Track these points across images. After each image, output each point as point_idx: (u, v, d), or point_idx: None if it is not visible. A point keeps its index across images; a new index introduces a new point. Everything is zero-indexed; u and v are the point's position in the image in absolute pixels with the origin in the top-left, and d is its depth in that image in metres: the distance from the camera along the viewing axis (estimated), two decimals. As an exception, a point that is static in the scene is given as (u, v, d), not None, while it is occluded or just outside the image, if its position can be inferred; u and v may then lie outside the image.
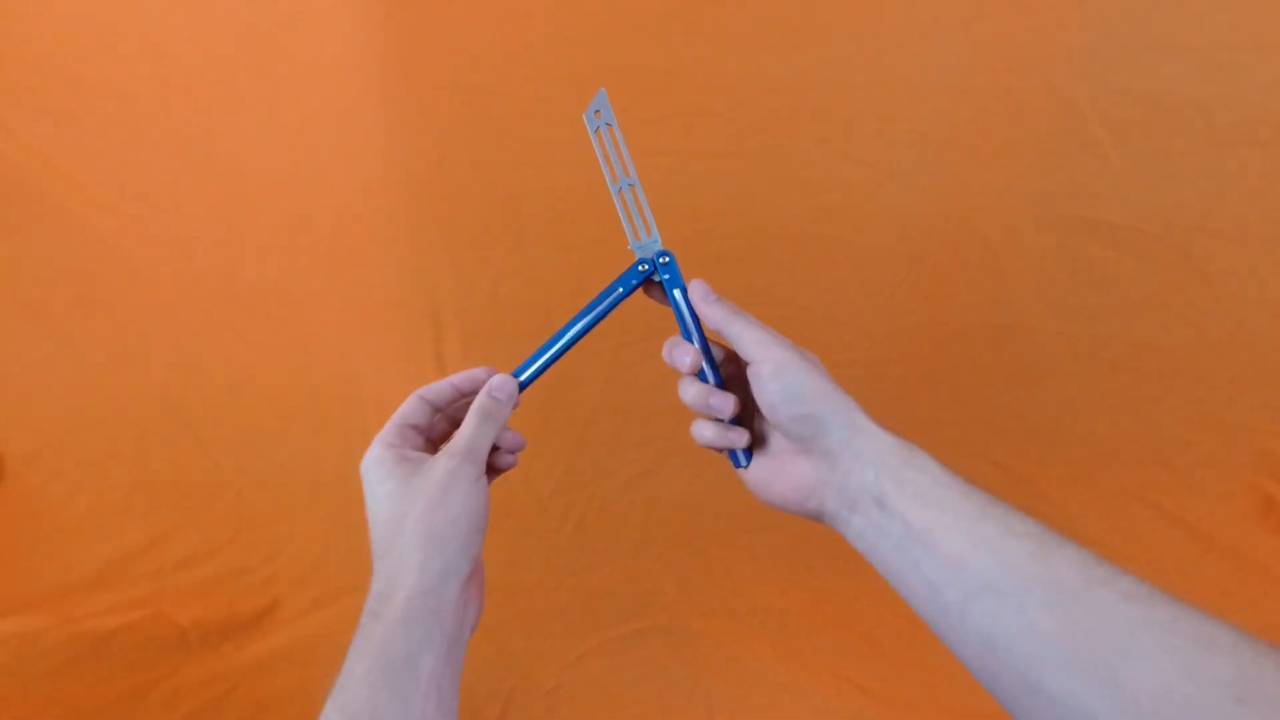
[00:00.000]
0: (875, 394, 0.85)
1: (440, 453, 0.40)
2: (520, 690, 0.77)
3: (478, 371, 0.45)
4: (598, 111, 0.49)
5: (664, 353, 0.46)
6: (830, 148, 0.76)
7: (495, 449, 0.43)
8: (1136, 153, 0.76)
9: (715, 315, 0.43)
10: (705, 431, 0.44)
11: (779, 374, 0.39)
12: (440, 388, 0.44)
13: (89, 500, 0.82)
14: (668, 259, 0.46)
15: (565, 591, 0.86)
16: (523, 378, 0.45)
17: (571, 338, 0.46)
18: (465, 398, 0.45)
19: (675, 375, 0.45)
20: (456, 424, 0.45)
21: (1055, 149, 0.76)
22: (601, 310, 0.46)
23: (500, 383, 0.44)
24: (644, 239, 0.47)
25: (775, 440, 0.42)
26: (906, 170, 0.77)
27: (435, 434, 0.46)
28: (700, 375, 0.45)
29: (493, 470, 0.46)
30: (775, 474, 0.42)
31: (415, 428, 0.44)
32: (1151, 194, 0.77)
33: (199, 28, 0.70)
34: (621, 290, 0.46)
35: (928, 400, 0.86)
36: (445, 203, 0.76)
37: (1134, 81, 0.73)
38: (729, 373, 0.45)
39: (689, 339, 0.45)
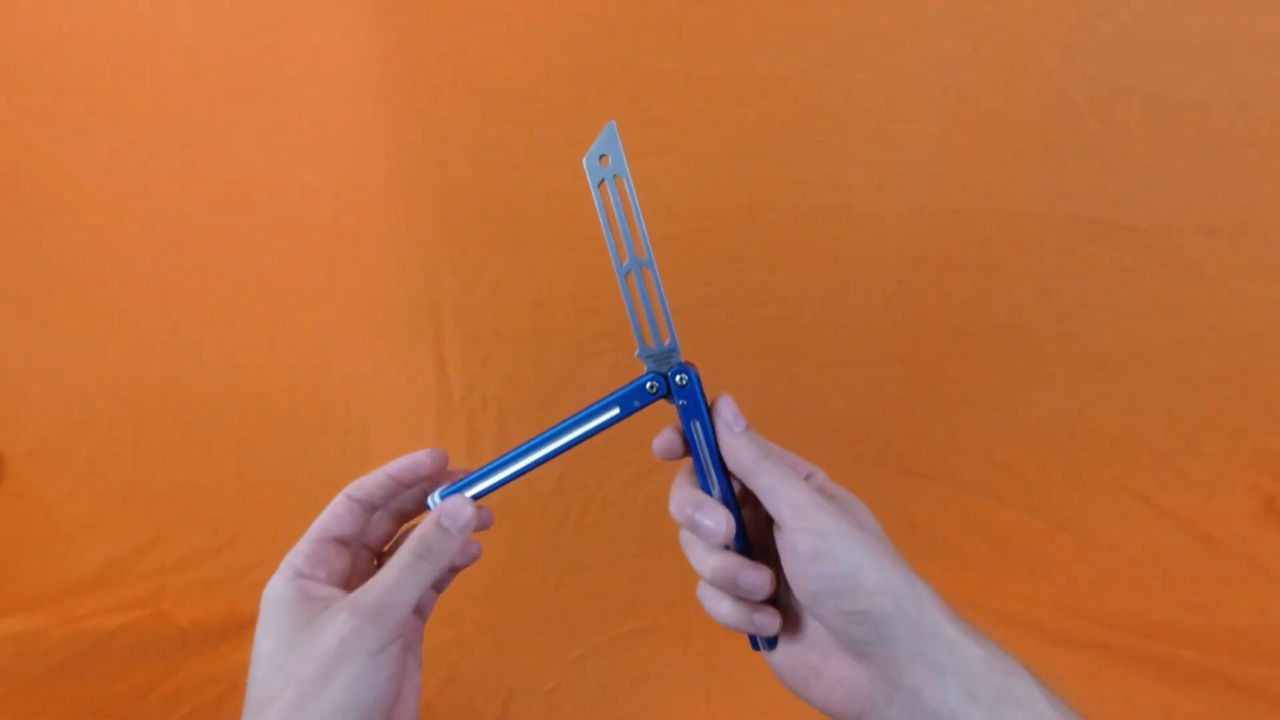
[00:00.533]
0: (875, 394, 0.85)
1: (339, 604, 0.29)
2: (520, 690, 0.77)
3: (419, 457, 0.34)
4: (604, 156, 0.35)
5: (676, 506, 0.34)
6: (830, 148, 0.75)
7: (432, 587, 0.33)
8: (1136, 153, 0.76)
9: (744, 458, 0.32)
10: (720, 608, 0.33)
11: (822, 556, 0.29)
12: (372, 483, 0.34)
13: (89, 500, 0.82)
14: (687, 379, 0.34)
15: (565, 591, 0.86)
16: (470, 493, 0.35)
17: (544, 457, 0.36)
18: (407, 489, 0.36)
19: None
20: (404, 519, 0.36)
21: (1055, 149, 0.76)
22: (588, 432, 0.36)
23: (453, 508, 0.33)
24: (656, 345, 0.35)
25: (813, 628, 0.32)
26: (906, 170, 0.77)
27: (373, 540, 0.36)
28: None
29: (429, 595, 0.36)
30: (813, 671, 0.32)
31: (339, 541, 0.33)
32: (1151, 194, 0.77)
33: (199, 28, 0.70)
34: (619, 412, 0.35)
35: (928, 400, 0.86)
36: (445, 203, 0.76)
37: (1134, 81, 0.73)
38: (747, 517, 0.35)
39: (705, 484, 0.34)
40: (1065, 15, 0.71)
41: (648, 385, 0.35)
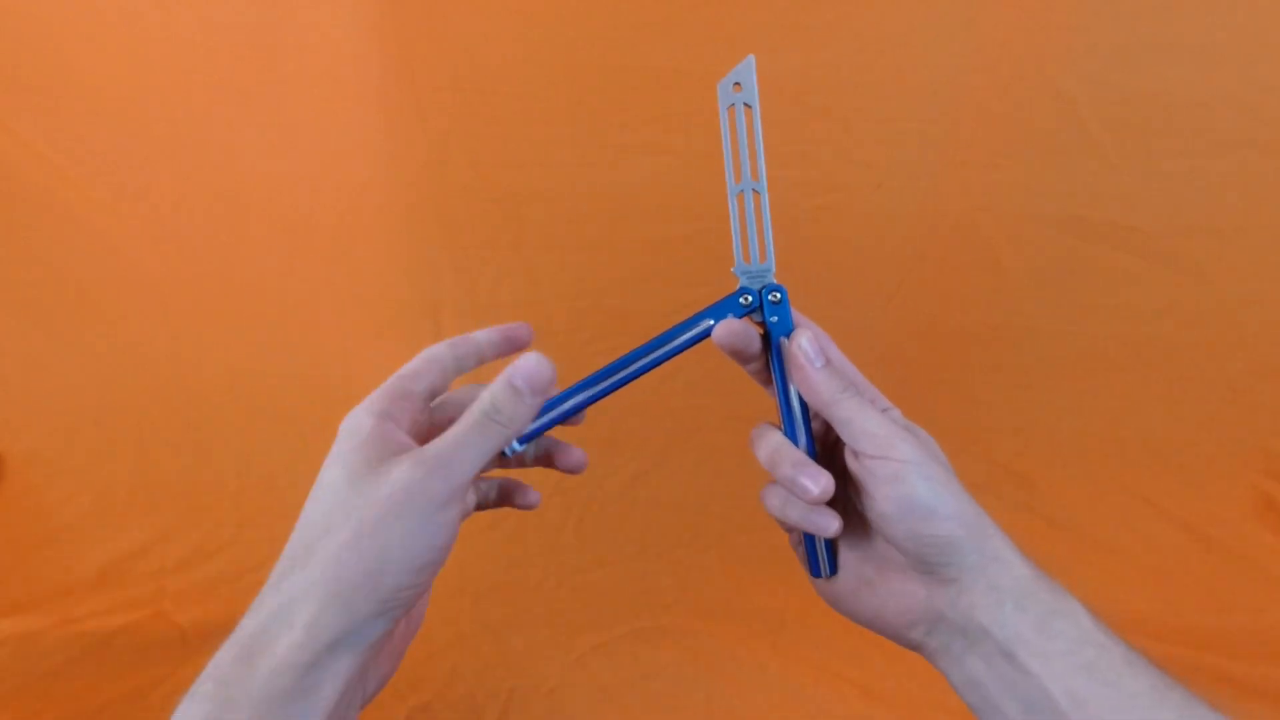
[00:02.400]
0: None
1: (406, 455, 0.28)
2: (520, 690, 0.77)
3: (516, 328, 0.33)
4: (737, 84, 0.37)
5: (770, 459, 0.33)
6: (830, 148, 0.75)
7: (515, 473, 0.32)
8: (1136, 153, 0.76)
9: (822, 392, 0.32)
10: (786, 507, 0.33)
11: (903, 481, 0.30)
12: (468, 345, 0.34)
13: (89, 500, 0.82)
14: (780, 296, 0.36)
15: (565, 591, 0.86)
16: (553, 413, 0.35)
17: (636, 371, 0.36)
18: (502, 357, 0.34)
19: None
20: None
21: (1055, 149, 0.76)
22: (681, 345, 0.36)
23: (528, 367, 0.30)
24: (755, 264, 0.36)
25: (878, 547, 0.34)
26: (906, 170, 0.77)
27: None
28: (786, 429, 0.35)
29: (506, 500, 0.36)
30: (870, 587, 0.33)
31: (420, 395, 0.32)
32: (1151, 194, 0.77)
33: (199, 27, 0.70)
34: (712, 323, 0.35)
35: (928, 400, 0.86)
36: (445, 203, 0.76)
37: (1134, 81, 0.73)
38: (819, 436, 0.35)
39: (785, 404, 0.35)
40: (1065, 15, 0.71)
41: (741, 298, 0.35)
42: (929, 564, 0.31)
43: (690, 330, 0.36)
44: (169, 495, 0.83)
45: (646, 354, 0.36)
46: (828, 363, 0.34)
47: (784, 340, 0.35)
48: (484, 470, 0.30)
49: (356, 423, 0.30)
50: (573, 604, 0.85)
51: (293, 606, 0.26)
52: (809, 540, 0.36)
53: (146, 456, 0.82)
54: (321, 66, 0.71)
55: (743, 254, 0.36)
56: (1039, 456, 0.89)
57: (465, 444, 0.29)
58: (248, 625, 0.27)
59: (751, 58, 0.36)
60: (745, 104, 0.37)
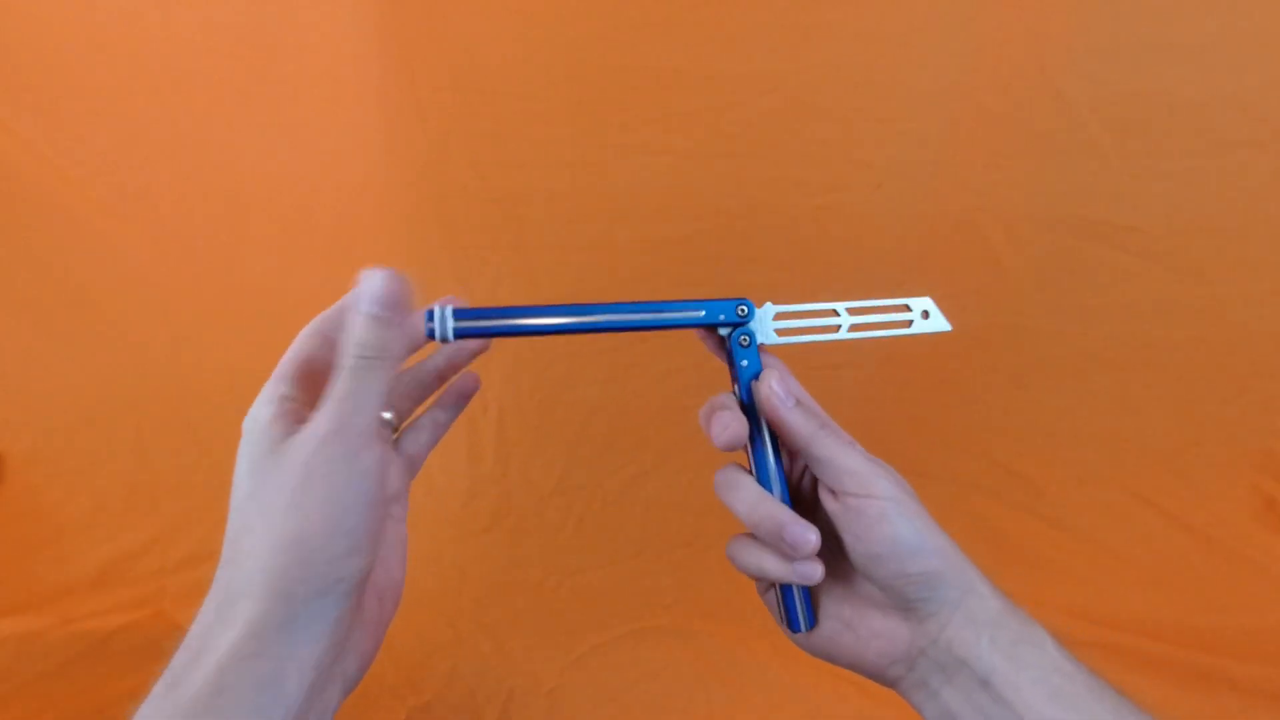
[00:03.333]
0: (875, 394, 0.85)
1: (300, 429, 0.27)
2: (520, 690, 0.77)
3: (371, 275, 0.28)
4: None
5: (753, 514, 0.32)
6: (830, 148, 0.75)
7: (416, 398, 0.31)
8: (1136, 153, 0.76)
9: (800, 432, 0.32)
10: (764, 561, 0.32)
11: (888, 520, 0.30)
12: (333, 315, 0.31)
13: (89, 500, 0.82)
14: (749, 340, 0.35)
15: (565, 591, 0.86)
16: (485, 324, 0.32)
17: (611, 325, 0.34)
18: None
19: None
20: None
21: (1055, 149, 0.76)
22: (663, 321, 0.35)
23: (376, 287, 0.27)
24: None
25: (856, 587, 0.33)
26: (906, 170, 0.77)
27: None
28: (759, 475, 0.34)
29: (459, 403, 0.34)
30: (850, 629, 0.33)
31: (321, 363, 0.30)
32: (1151, 194, 0.77)
33: (198, 27, 0.70)
34: (704, 315, 0.35)
35: (928, 400, 0.86)
36: (445, 203, 0.76)
37: (1134, 81, 0.73)
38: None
39: (760, 454, 0.34)
40: (1065, 15, 0.71)
41: (739, 308, 0.35)
42: (911, 600, 0.31)
43: (682, 312, 0.35)
44: (169, 495, 0.83)
45: (631, 312, 0.34)
46: (798, 402, 0.33)
47: (754, 384, 0.34)
48: (384, 405, 0.29)
49: (253, 415, 0.28)
50: (573, 604, 0.85)
51: (232, 604, 0.26)
52: (787, 595, 0.34)
53: (146, 456, 0.82)
54: (321, 66, 0.71)
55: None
56: (1039, 456, 0.89)
57: (348, 396, 0.27)
58: (194, 629, 0.26)
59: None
60: None
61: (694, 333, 0.37)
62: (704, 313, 0.35)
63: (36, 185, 0.73)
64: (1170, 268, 0.80)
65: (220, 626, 0.25)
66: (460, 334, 0.32)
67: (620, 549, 0.88)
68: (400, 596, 0.33)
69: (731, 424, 0.33)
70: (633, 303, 0.34)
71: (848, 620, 0.33)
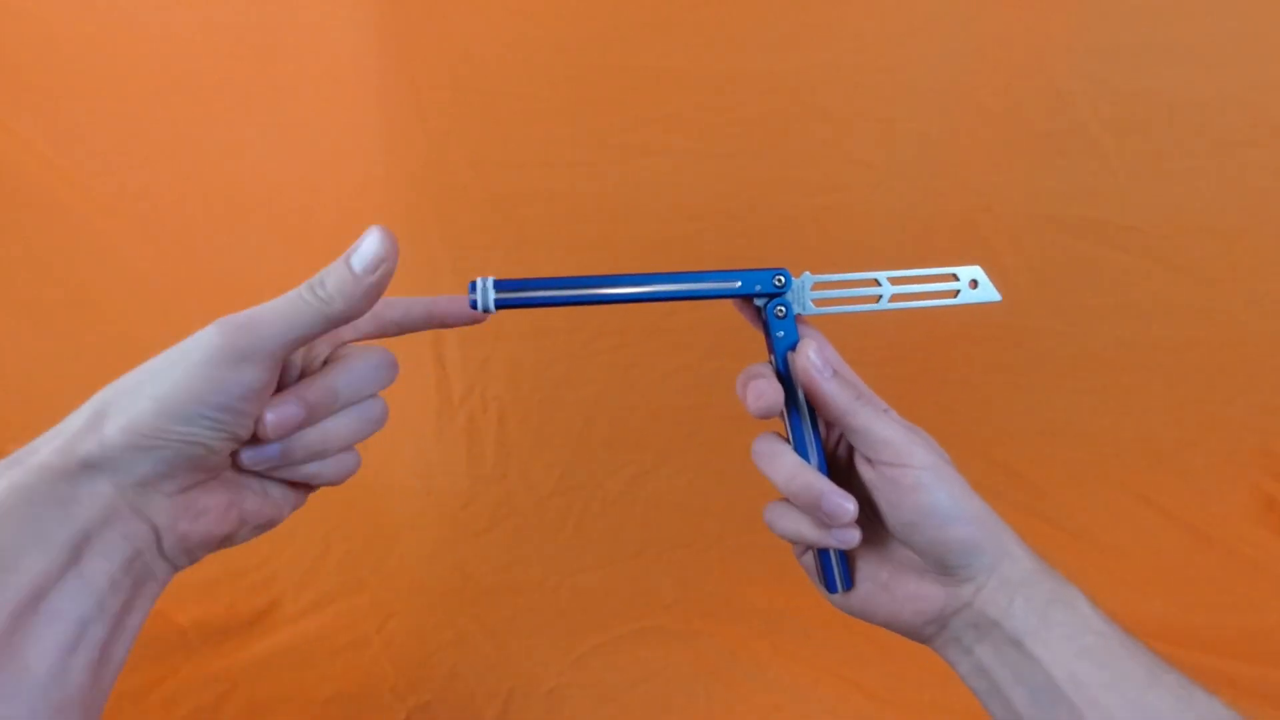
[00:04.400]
0: (875, 394, 0.85)
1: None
2: (520, 690, 0.77)
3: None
4: None
5: (792, 484, 0.32)
6: (830, 148, 0.75)
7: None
8: (1136, 153, 0.76)
9: (837, 403, 0.32)
10: (801, 527, 0.33)
11: (924, 489, 0.31)
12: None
13: (89, 500, 0.82)
14: (785, 311, 0.35)
15: (565, 591, 0.86)
16: (523, 295, 0.32)
17: (644, 295, 0.35)
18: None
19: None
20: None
21: (1055, 149, 0.76)
22: (700, 291, 0.35)
23: (368, 245, 0.29)
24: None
25: (892, 551, 0.34)
26: (906, 170, 0.77)
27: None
28: (796, 444, 0.34)
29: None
30: (886, 591, 0.34)
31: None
32: (1151, 194, 0.77)
33: (199, 28, 0.70)
34: (740, 285, 0.34)
35: (928, 400, 0.86)
36: (445, 203, 0.76)
37: (1134, 81, 0.73)
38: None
39: (797, 424, 0.34)
40: (1065, 15, 0.71)
41: (775, 279, 0.35)
42: (948, 566, 0.31)
43: (718, 282, 0.35)
44: (169, 495, 0.83)
45: (668, 283, 0.35)
46: (835, 372, 0.33)
47: (791, 354, 0.34)
48: (299, 343, 0.28)
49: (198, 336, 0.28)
50: (573, 604, 0.85)
51: (63, 426, 0.27)
52: (824, 557, 0.35)
53: (146, 456, 0.82)
54: (321, 66, 0.71)
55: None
56: (1039, 456, 0.89)
57: (273, 311, 0.27)
58: (29, 443, 0.27)
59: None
60: None
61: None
62: (740, 283, 0.35)
63: (36, 185, 0.73)
64: (1170, 268, 0.80)
65: (44, 441, 0.26)
66: (501, 305, 0.33)
67: (620, 549, 0.88)
68: (265, 521, 0.31)
69: (767, 391, 0.32)
70: (670, 273, 0.34)
71: (884, 583, 0.34)
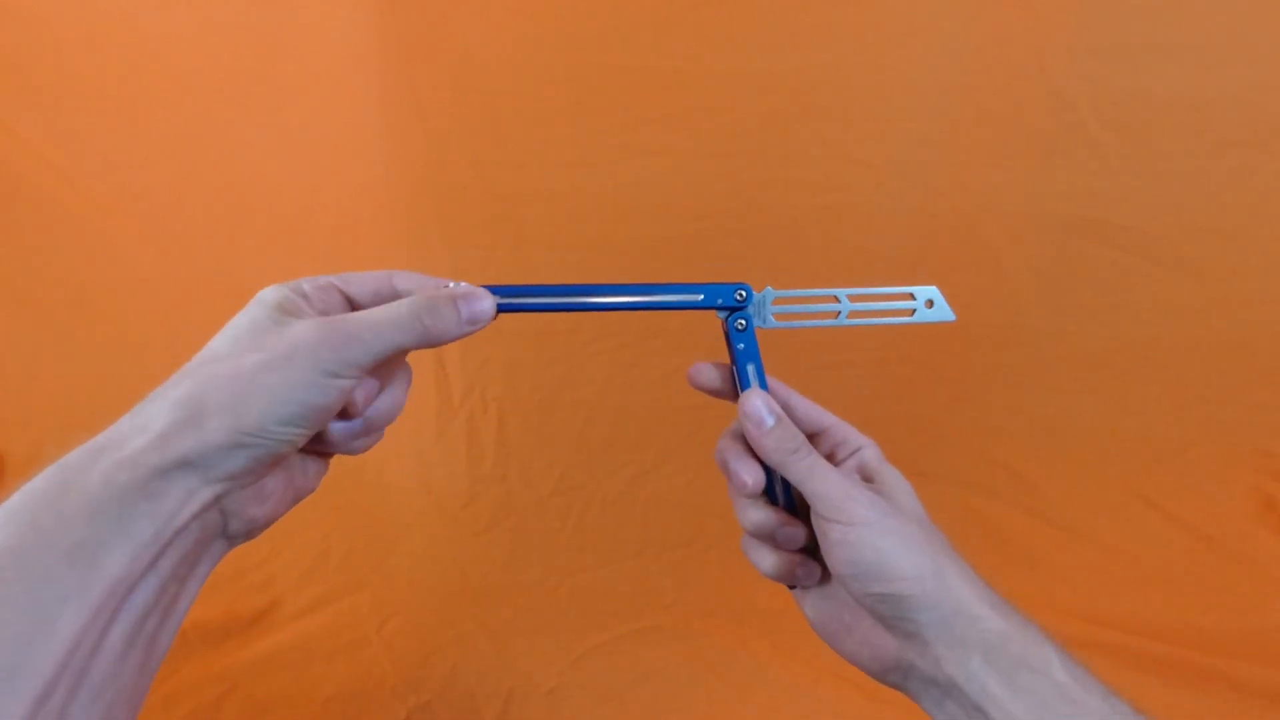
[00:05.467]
0: (875, 394, 0.85)
1: (315, 317, 0.29)
2: (520, 690, 0.77)
3: (482, 298, 0.30)
4: None
5: (718, 452, 0.35)
6: (830, 148, 0.75)
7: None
8: (1136, 153, 0.76)
9: (772, 455, 0.33)
10: (764, 560, 0.35)
11: (849, 544, 0.31)
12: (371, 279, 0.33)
13: (89, 500, 0.82)
14: (745, 324, 0.36)
15: (565, 591, 0.86)
16: (503, 301, 0.33)
17: (606, 304, 0.35)
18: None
19: (675, 374, 0.40)
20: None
21: (1055, 149, 0.76)
22: (662, 303, 0.35)
23: (476, 297, 0.30)
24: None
25: (845, 594, 0.34)
26: (906, 170, 0.77)
27: None
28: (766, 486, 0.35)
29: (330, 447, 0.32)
30: (845, 628, 0.34)
31: (349, 302, 0.32)
32: (1151, 194, 0.77)
33: (199, 28, 0.70)
34: (702, 299, 0.35)
35: (928, 400, 0.86)
36: (445, 203, 0.76)
37: (1134, 81, 0.73)
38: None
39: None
40: (1065, 15, 0.71)
41: (737, 293, 0.36)
42: (887, 620, 0.31)
43: (682, 295, 0.35)
44: (169, 495, 0.83)
45: (633, 294, 0.35)
46: (779, 421, 0.34)
47: (738, 403, 0.35)
48: (384, 362, 0.29)
49: (265, 293, 0.29)
50: (573, 604, 0.85)
51: (151, 417, 0.26)
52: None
53: (146, 456, 0.82)
54: (321, 66, 0.71)
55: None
56: (1039, 456, 0.89)
57: (378, 327, 0.28)
58: (107, 432, 0.26)
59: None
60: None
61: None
62: (702, 296, 0.35)
63: (36, 185, 0.73)
64: (1170, 268, 0.80)
65: (133, 433, 0.26)
66: (502, 309, 0.33)
67: (620, 549, 0.88)
68: (305, 493, 0.32)
69: (748, 473, 0.34)
70: (636, 284, 0.35)
71: (847, 625, 0.34)
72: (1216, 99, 0.73)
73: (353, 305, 0.32)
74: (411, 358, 0.34)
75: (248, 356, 0.27)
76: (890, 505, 0.32)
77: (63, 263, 0.76)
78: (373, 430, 0.32)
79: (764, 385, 0.36)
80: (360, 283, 0.33)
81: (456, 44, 0.70)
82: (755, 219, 0.78)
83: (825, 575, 0.35)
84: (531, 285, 0.34)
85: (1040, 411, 0.88)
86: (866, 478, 0.35)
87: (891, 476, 0.35)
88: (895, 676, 0.33)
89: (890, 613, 0.31)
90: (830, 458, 0.36)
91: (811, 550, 0.35)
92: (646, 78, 0.72)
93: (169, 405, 0.26)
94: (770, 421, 0.33)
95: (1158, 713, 0.29)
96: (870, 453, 0.36)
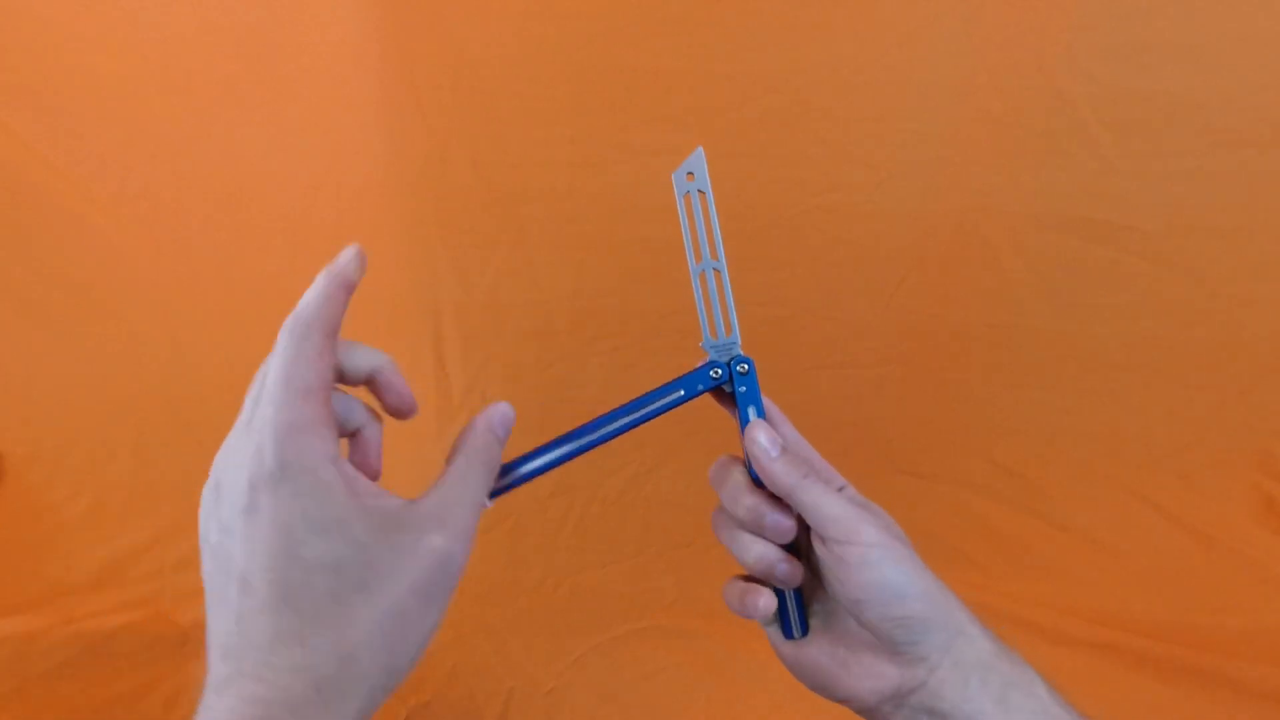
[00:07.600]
0: (875, 394, 0.85)
1: (422, 521, 0.26)
2: (520, 690, 0.77)
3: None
4: (690, 174, 0.40)
5: (739, 508, 0.36)
6: (830, 148, 0.75)
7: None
8: (1136, 153, 0.75)
9: (782, 481, 0.34)
10: (748, 550, 0.36)
11: (870, 566, 0.31)
12: (332, 307, 0.30)
13: (89, 500, 0.82)
14: (747, 368, 0.38)
15: (565, 591, 0.86)
16: (525, 469, 0.35)
17: (605, 435, 0.37)
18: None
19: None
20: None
21: (1055, 149, 0.76)
22: (652, 412, 0.37)
23: (501, 413, 0.33)
24: (721, 337, 0.38)
25: (849, 627, 0.35)
26: (906, 170, 0.77)
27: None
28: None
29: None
30: (845, 667, 0.34)
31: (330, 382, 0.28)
32: (1151, 194, 0.77)
33: (199, 27, 0.70)
34: (683, 394, 0.37)
35: (928, 400, 0.86)
36: (445, 203, 0.76)
37: (1134, 81, 0.73)
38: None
39: (755, 472, 0.36)
40: (1065, 15, 0.71)
41: (711, 371, 0.38)
42: (898, 643, 0.32)
43: (662, 399, 0.37)
44: (169, 495, 0.83)
45: (619, 418, 0.37)
46: (783, 451, 0.35)
47: (742, 435, 0.37)
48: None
49: (322, 480, 0.25)
50: (572, 604, 0.85)
51: (331, 688, 0.24)
52: (781, 603, 0.37)
53: (146, 457, 0.82)
54: (321, 66, 0.71)
55: (709, 329, 0.39)
56: (1039, 456, 0.89)
57: (472, 502, 0.29)
58: (267, 686, 0.23)
59: (700, 149, 0.38)
60: (700, 190, 0.39)
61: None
62: (683, 391, 0.38)
63: (36, 185, 0.73)
64: (1170, 268, 0.80)
65: (312, 710, 0.24)
66: (493, 496, 0.34)
67: (620, 549, 0.88)
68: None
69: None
70: (619, 408, 0.37)
71: (842, 660, 0.34)
72: (1216, 99, 0.73)
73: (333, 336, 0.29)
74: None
75: (399, 591, 0.25)
76: (891, 530, 0.33)
77: (63, 263, 0.76)
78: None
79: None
80: (332, 318, 0.30)
81: (456, 44, 0.70)
82: (755, 219, 0.78)
83: (817, 621, 0.36)
84: (526, 454, 0.36)
85: (1040, 411, 0.88)
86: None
87: (876, 507, 0.36)
88: (888, 707, 0.33)
89: (906, 636, 0.31)
90: None
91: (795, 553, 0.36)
92: (646, 78, 0.72)
93: (354, 681, 0.25)
94: (776, 450, 0.35)
95: (1158, 713, 0.29)
96: (851, 490, 0.37)
